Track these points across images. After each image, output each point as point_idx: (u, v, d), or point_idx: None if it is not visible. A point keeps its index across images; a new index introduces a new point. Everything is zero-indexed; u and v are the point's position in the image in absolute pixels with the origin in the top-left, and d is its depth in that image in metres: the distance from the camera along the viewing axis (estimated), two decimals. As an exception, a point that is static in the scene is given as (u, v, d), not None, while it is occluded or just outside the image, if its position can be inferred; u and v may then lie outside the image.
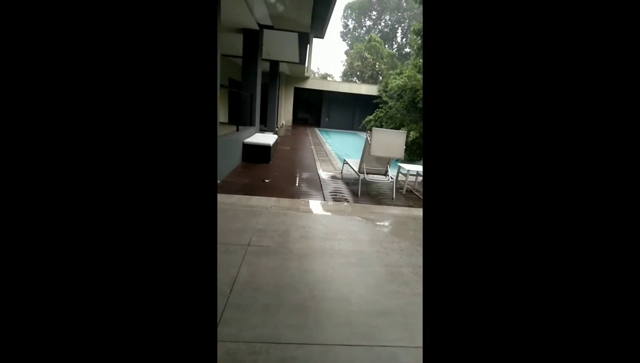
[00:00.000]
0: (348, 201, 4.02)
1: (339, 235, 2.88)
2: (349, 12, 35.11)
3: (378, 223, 3.34)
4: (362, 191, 4.57)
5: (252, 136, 6.59)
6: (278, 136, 9.15)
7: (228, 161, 5.04)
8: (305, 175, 5.39)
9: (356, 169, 4.68)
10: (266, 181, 4.65)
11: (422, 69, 9.86)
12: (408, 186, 5.00)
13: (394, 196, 4.45)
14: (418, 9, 15.97)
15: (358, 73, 26.86)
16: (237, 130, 5.84)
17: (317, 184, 4.78)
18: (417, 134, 8.29)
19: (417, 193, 4.82)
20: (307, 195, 4.13)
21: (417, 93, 8.67)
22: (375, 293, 2.01)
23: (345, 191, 4.51)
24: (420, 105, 8.65)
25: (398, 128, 8.68)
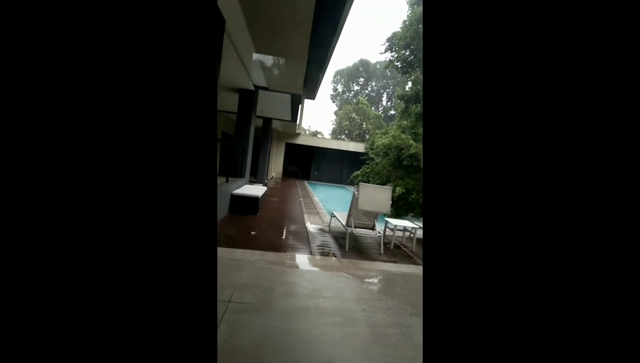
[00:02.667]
0: (335, 256, 3.96)
1: (325, 292, 2.78)
2: (339, 77, 38.39)
3: (366, 280, 3.27)
4: (349, 245, 4.53)
5: (241, 188, 6.65)
6: (267, 188, 9.23)
7: (215, 212, 4.99)
8: (292, 227, 5.35)
9: (344, 222, 4.70)
10: (252, 233, 4.58)
11: (406, 130, 10.54)
12: (396, 241, 5.00)
13: (382, 251, 4.41)
14: (401, 78, 17.61)
15: (346, 131, 28.39)
16: (227, 181, 5.90)
17: (304, 237, 4.72)
18: (403, 190, 8.53)
19: (404, 249, 4.80)
20: (293, 248, 4.05)
21: (402, 151, 9.13)
22: (361, 356, 1.90)
23: (332, 245, 4.46)
24: (405, 162, 9.05)
25: (384, 184, 8.95)
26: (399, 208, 8.50)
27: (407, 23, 14.80)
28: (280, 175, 19.79)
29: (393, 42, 15.02)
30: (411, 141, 9.16)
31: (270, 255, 3.61)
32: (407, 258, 4.28)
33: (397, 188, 8.67)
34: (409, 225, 4.94)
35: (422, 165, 8.28)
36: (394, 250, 4.67)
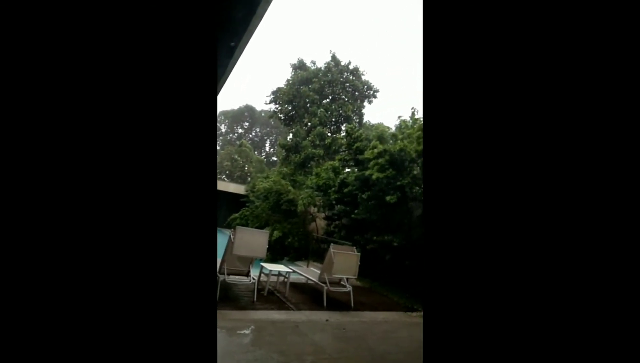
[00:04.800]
0: (202, 308, 3.56)
1: (186, 352, 2.43)
2: (223, 117, 38.00)
3: (236, 332, 3.04)
4: (220, 295, 4.19)
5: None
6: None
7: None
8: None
9: (217, 269, 4.36)
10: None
11: (286, 176, 11.12)
12: (270, 287, 4.94)
13: (255, 299, 4.26)
14: (283, 128, 18.92)
15: (227, 172, 27.60)
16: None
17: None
18: (281, 234, 8.73)
19: (278, 294, 4.78)
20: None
21: (282, 196, 9.51)
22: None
23: (200, 296, 4.01)
24: (284, 207, 9.40)
25: (263, 227, 8.95)
26: (275, 252, 8.56)
27: (290, 82, 16.45)
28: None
29: (277, 96, 16.30)
30: (290, 187, 9.70)
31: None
32: (281, 304, 4.27)
33: (275, 232, 8.81)
34: (284, 270, 5.02)
35: (298, 209, 8.78)
36: (268, 296, 4.59)
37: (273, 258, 8.11)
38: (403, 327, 3.89)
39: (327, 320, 3.77)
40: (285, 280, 4.94)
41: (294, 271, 5.09)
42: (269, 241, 6.38)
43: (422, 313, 4.23)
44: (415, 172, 6.24)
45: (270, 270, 4.90)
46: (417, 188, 6.07)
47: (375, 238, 6.56)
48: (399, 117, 7.57)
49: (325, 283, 4.47)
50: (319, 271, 4.91)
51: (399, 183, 6.07)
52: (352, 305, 4.45)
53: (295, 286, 5.11)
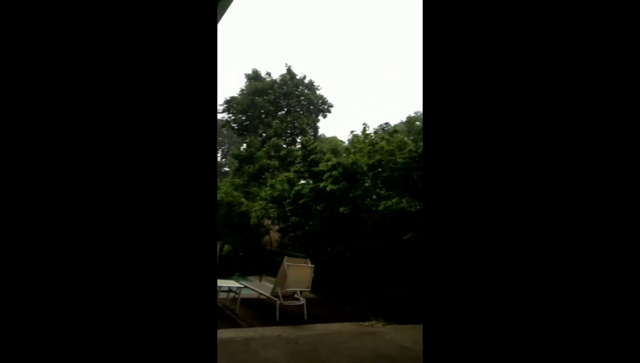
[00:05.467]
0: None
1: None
2: (171, 125, 35.85)
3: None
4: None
5: None
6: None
7: None
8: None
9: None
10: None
11: (238, 188, 10.79)
12: (219, 304, 4.67)
13: (202, 318, 3.99)
14: (237, 138, 18.49)
15: (175, 183, 25.92)
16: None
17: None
18: (231, 248, 8.37)
19: (228, 311, 4.54)
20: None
21: (234, 208, 9.16)
22: None
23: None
24: (235, 219, 9.07)
25: (213, 241, 8.51)
26: (226, 267, 8.18)
27: (244, 92, 16.23)
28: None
29: (231, 105, 15.93)
30: (242, 199, 9.42)
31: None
32: (231, 321, 4.06)
33: (225, 246, 8.43)
34: (235, 285, 4.81)
35: (251, 222, 8.54)
36: (217, 314, 4.33)
37: (223, 273, 7.72)
38: (355, 337, 3.94)
39: (279, 336, 3.67)
40: (236, 296, 4.72)
41: (245, 287, 4.90)
42: (220, 255, 6.04)
43: (373, 322, 4.34)
44: (366, 184, 6.51)
45: (220, 286, 4.65)
46: (369, 199, 6.32)
47: (329, 249, 6.63)
48: (352, 131, 7.90)
49: (278, 297, 4.37)
50: (272, 286, 4.79)
51: (351, 195, 6.26)
52: (306, 318, 4.40)
53: (246, 302, 4.91)
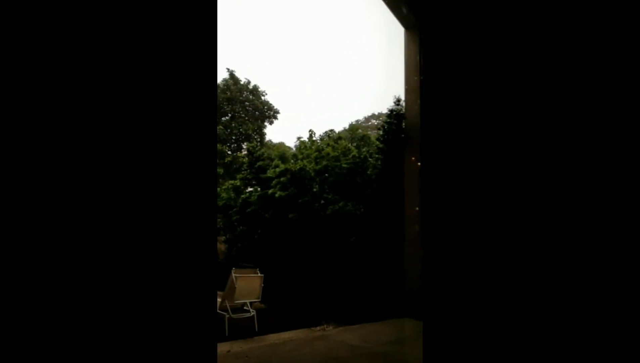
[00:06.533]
0: None
1: None
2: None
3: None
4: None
5: None
6: None
7: None
8: None
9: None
10: None
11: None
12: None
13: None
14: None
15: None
16: None
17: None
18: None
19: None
20: None
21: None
22: None
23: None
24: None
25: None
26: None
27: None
28: None
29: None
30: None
31: None
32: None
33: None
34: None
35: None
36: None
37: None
38: (307, 342, 3.95)
39: (228, 351, 3.51)
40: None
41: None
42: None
43: (324, 326, 4.41)
44: (315, 189, 6.61)
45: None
46: (317, 204, 6.43)
47: (278, 256, 6.56)
48: (299, 138, 7.98)
49: (226, 311, 4.18)
50: (219, 299, 4.57)
51: (300, 201, 6.31)
52: (257, 329, 4.28)
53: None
